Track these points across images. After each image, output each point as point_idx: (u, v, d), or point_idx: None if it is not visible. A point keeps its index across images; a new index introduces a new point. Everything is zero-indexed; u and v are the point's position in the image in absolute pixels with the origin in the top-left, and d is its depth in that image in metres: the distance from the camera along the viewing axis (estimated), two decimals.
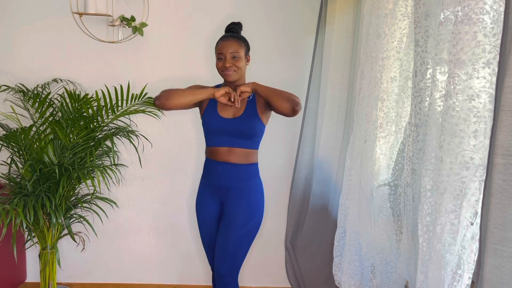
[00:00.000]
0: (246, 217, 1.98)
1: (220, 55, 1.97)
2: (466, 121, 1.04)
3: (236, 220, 1.96)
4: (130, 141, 2.35)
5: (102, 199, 2.40)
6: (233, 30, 2.07)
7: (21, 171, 2.25)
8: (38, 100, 2.28)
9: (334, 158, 2.28)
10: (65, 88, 2.36)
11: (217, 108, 2.03)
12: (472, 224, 1.06)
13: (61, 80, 2.56)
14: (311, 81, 2.45)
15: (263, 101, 2.01)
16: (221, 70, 1.98)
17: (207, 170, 2.08)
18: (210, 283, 2.84)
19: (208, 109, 2.03)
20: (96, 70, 2.62)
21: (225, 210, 2.00)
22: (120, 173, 2.61)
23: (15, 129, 2.19)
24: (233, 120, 1.99)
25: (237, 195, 1.98)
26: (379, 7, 1.59)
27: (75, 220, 2.36)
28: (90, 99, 2.30)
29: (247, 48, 2.03)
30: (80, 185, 2.36)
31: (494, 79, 0.97)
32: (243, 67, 1.99)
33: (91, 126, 2.26)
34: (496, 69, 0.96)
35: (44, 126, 2.29)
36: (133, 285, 2.83)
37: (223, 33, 2.56)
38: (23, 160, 2.21)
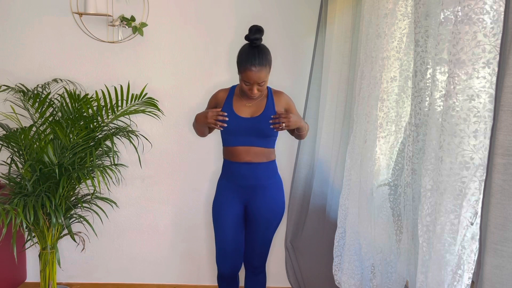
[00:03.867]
0: (273, 215, 2.09)
1: (246, 82, 1.92)
2: (466, 121, 1.04)
3: (265, 219, 2.08)
4: (130, 141, 2.35)
5: (102, 199, 2.40)
6: (257, 43, 1.93)
7: (21, 171, 2.25)
8: (38, 100, 2.28)
9: (334, 158, 2.28)
10: (65, 88, 2.36)
11: (233, 107, 2.02)
12: (472, 224, 1.06)
13: (61, 80, 2.56)
14: (311, 81, 2.45)
15: (283, 105, 2.07)
16: (246, 93, 1.95)
17: (230, 172, 2.08)
18: (210, 283, 2.86)
19: (225, 108, 2.02)
20: (96, 70, 2.62)
21: (252, 209, 2.08)
22: (120, 173, 2.61)
23: (15, 129, 2.19)
24: (252, 119, 2.00)
25: (262, 194, 2.06)
26: (379, 7, 1.59)
27: (75, 220, 2.36)
28: (90, 99, 2.30)
29: (271, 68, 1.97)
30: (80, 185, 2.36)
31: (494, 79, 0.97)
32: (266, 87, 2.02)
33: (91, 126, 2.26)
34: (496, 69, 0.96)
35: (44, 126, 2.29)
36: (133, 285, 2.83)
37: (222, 33, 2.56)
38: (23, 160, 2.21)
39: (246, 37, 1.94)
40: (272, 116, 1.97)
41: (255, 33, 1.92)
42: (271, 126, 1.97)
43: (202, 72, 2.64)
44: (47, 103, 2.29)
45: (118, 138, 2.49)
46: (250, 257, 2.17)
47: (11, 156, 2.23)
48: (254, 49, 1.91)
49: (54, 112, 2.38)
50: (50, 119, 2.32)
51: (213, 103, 2.11)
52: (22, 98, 2.38)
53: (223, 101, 2.05)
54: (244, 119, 1.99)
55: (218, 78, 2.62)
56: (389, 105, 1.57)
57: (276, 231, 2.76)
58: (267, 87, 2.08)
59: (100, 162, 2.44)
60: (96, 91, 2.41)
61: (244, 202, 2.08)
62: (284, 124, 1.93)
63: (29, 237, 2.24)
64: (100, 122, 2.30)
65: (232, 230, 2.07)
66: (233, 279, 2.21)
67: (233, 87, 2.10)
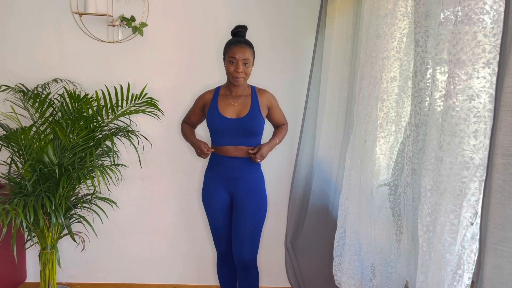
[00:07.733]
0: (258, 206, 2.17)
1: (232, 59, 2.05)
2: (466, 121, 1.03)
3: (250, 209, 2.15)
4: (130, 141, 2.35)
5: (102, 199, 2.40)
6: (241, 34, 2.14)
7: (21, 171, 2.24)
8: (38, 100, 2.29)
9: (334, 158, 2.28)
10: (65, 88, 2.36)
11: (219, 108, 2.12)
12: (472, 224, 1.06)
13: (61, 80, 2.56)
14: (311, 81, 2.45)
15: (266, 103, 2.19)
16: (232, 75, 2.07)
17: (215, 163, 2.20)
18: (210, 283, 2.86)
19: (211, 110, 2.13)
20: (96, 70, 2.62)
21: (237, 201, 2.17)
22: (120, 173, 2.61)
23: (15, 129, 2.19)
24: (239, 119, 2.10)
25: (246, 186, 2.15)
26: (379, 7, 1.59)
27: (75, 220, 2.36)
28: (90, 99, 2.30)
29: (255, 55, 2.14)
30: (80, 185, 2.36)
31: (494, 79, 0.97)
32: (250, 73, 2.11)
33: (91, 126, 2.26)
34: (496, 69, 0.96)
35: (44, 126, 2.29)
36: (133, 285, 2.83)
37: (222, 33, 2.57)
38: (23, 160, 2.21)
39: (231, 33, 2.17)
40: (249, 151, 2.12)
41: (237, 27, 2.15)
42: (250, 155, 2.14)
43: (202, 72, 2.64)
44: (47, 103, 2.29)
45: (118, 138, 2.49)
46: (241, 250, 2.18)
47: (11, 156, 2.23)
48: (239, 37, 2.12)
49: (54, 112, 2.38)
50: (50, 119, 2.32)
51: (201, 104, 2.24)
52: (22, 98, 2.38)
53: (209, 102, 2.18)
54: (230, 120, 2.10)
55: (218, 77, 2.62)
56: (389, 105, 1.57)
57: (275, 231, 2.78)
58: (251, 87, 2.20)
59: (100, 162, 2.44)
60: (96, 91, 2.41)
61: (230, 192, 2.19)
62: (258, 160, 2.11)
63: (29, 237, 2.24)
64: (100, 122, 2.30)
65: (222, 217, 2.23)
66: (229, 258, 2.33)
67: (218, 88, 2.22)
